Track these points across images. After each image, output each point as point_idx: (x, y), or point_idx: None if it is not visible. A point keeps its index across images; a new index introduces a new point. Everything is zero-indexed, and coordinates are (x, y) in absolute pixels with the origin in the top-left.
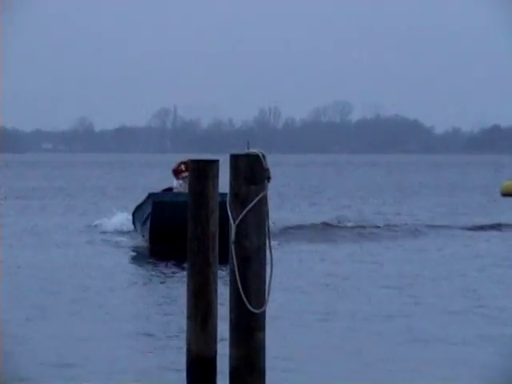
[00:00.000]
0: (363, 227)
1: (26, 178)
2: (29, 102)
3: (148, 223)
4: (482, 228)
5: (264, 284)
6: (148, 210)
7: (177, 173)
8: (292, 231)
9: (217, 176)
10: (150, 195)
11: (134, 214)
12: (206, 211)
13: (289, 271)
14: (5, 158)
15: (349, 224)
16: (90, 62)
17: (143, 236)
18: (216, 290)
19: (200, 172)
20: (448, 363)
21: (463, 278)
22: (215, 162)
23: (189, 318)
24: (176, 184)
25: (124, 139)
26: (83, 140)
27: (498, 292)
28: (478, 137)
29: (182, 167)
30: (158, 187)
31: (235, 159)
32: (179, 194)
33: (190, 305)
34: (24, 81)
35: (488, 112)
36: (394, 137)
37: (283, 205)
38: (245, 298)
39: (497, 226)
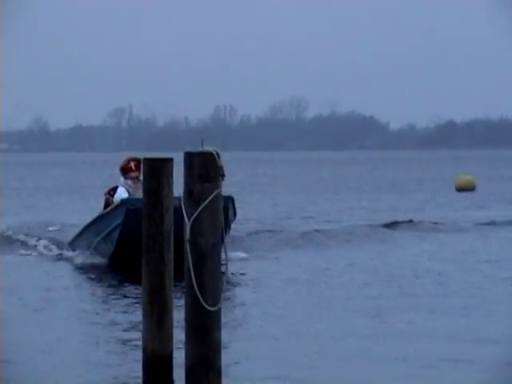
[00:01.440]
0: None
1: None
2: None
3: (114, 234)
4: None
5: (219, 282)
6: (116, 219)
7: (125, 171)
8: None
9: (171, 174)
10: (124, 202)
11: (89, 226)
12: (160, 210)
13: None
14: None
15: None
16: (44, 61)
17: (92, 251)
18: (171, 289)
19: (154, 171)
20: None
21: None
22: (169, 161)
23: (144, 316)
24: (123, 183)
25: (79, 138)
26: (38, 140)
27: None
28: (434, 132)
29: (132, 165)
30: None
31: (189, 157)
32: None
33: (145, 303)
34: None
35: (443, 107)
36: (350, 133)
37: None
38: (200, 296)
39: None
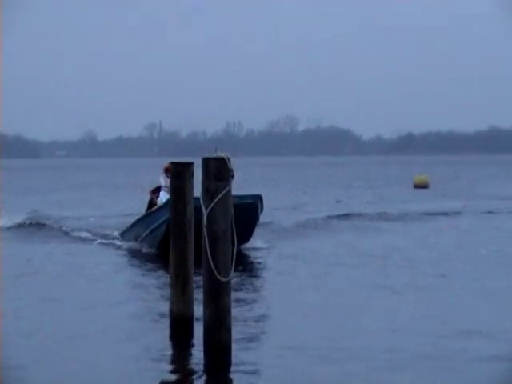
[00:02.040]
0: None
1: (37, 178)
2: (46, 116)
3: (162, 228)
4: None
5: (229, 259)
6: (163, 216)
7: (167, 171)
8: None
9: (192, 175)
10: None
11: (138, 221)
12: (184, 203)
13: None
14: (26, 162)
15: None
16: (92, 82)
17: (141, 242)
18: (192, 264)
19: (179, 172)
20: None
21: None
22: (191, 164)
23: (171, 285)
24: (163, 181)
25: (121, 147)
26: (89, 148)
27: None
28: (397, 142)
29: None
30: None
31: (206, 161)
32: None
33: (172, 275)
34: (42, 95)
35: (404, 122)
36: (331, 143)
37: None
38: (214, 270)
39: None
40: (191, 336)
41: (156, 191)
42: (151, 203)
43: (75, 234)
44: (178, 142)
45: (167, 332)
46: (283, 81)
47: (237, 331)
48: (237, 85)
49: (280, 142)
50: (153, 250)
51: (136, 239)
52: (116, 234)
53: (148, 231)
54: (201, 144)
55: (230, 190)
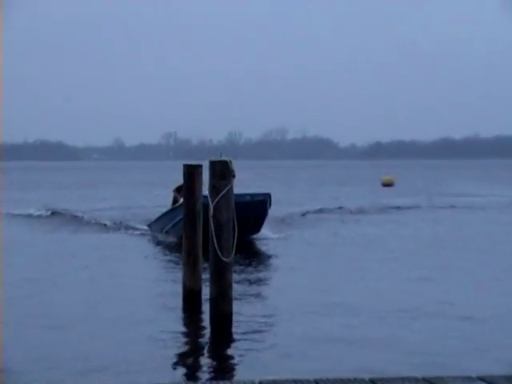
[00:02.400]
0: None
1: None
2: (83, 125)
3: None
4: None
5: (231, 243)
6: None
7: None
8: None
9: (201, 175)
10: None
11: (164, 215)
12: (193, 199)
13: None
14: (67, 164)
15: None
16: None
17: (166, 233)
18: (200, 248)
19: (190, 172)
20: None
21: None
22: (200, 166)
23: (183, 264)
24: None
25: (143, 152)
26: (117, 152)
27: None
28: (367, 149)
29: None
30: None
31: (212, 164)
32: None
33: (184, 256)
34: (77, 107)
35: (373, 132)
36: (315, 149)
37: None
38: (219, 252)
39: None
40: (200, 306)
41: (179, 190)
42: (175, 200)
43: (108, 224)
44: (190, 148)
45: (181, 303)
46: (275, 98)
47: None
48: (237, 101)
49: (272, 149)
50: (176, 240)
51: (161, 230)
52: (143, 225)
53: (171, 224)
54: (208, 150)
55: (231, 188)
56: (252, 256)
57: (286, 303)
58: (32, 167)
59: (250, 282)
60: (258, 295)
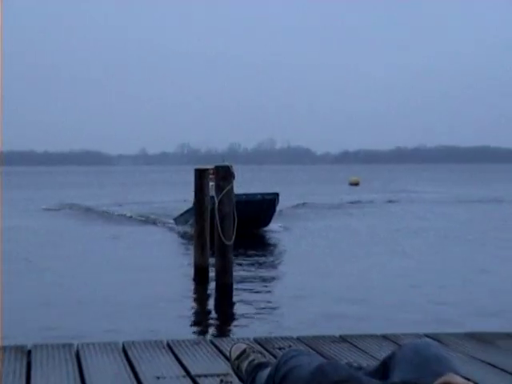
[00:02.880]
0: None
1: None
2: (114, 136)
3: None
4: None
5: (232, 230)
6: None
7: (212, 174)
8: None
9: (208, 176)
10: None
11: (188, 210)
12: (203, 195)
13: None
14: (102, 168)
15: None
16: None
17: (190, 225)
18: (208, 234)
19: (200, 174)
20: None
21: None
22: (208, 170)
23: (195, 246)
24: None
25: (163, 159)
26: (145, 159)
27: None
28: (338, 156)
29: (211, 171)
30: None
31: (217, 168)
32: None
33: (195, 240)
34: (111, 121)
35: (342, 142)
36: (297, 157)
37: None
38: (222, 236)
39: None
40: (207, 278)
41: None
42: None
43: (138, 218)
44: (199, 155)
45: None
46: (267, 114)
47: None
48: (236, 117)
49: (265, 156)
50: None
51: (185, 223)
52: (170, 219)
53: (189, 218)
54: (213, 157)
55: (232, 187)
56: (263, 245)
57: (282, 278)
58: (76, 171)
59: (258, 264)
60: (259, 270)
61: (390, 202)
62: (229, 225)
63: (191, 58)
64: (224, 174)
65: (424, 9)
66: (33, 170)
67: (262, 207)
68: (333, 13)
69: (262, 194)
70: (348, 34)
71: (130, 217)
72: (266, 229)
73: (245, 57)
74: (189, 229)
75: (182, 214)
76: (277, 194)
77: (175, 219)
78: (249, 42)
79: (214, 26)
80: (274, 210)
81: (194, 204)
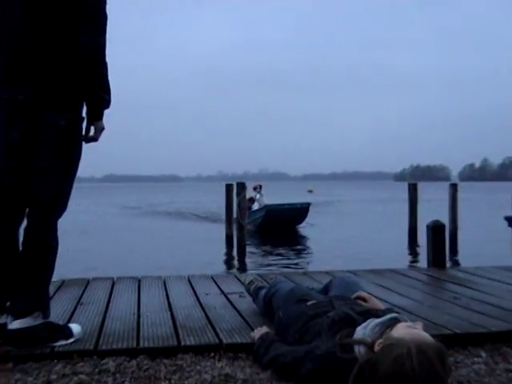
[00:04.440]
0: None
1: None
2: (148, 161)
3: (259, 220)
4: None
5: (245, 216)
6: (261, 213)
7: (254, 189)
8: None
9: (233, 188)
10: (265, 206)
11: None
12: (230, 197)
13: None
14: (144, 185)
15: None
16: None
17: (248, 224)
18: (233, 223)
19: (228, 188)
20: None
21: None
22: (231, 184)
23: (226, 223)
24: (253, 193)
25: (198, 181)
26: (175, 181)
27: None
28: (302, 177)
29: (257, 187)
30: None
31: (237, 184)
32: (277, 205)
33: (226, 222)
34: (145, 146)
35: (308, 164)
36: (275, 179)
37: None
38: (240, 219)
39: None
40: (232, 244)
41: (250, 200)
42: (248, 207)
43: (201, 216)
44: (227, 177)
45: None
46: (259, 149)
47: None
48: (248, 151)
49: (258, 179)
50: (253, 229)
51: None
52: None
53: (250, 219)
54: (234, 178)
55: (245, 195)
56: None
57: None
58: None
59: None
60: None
61: (328, 202)
62: (244, 213)
63: None
64: (240, 189)
65: None
66: (135, 185)
67: (300, 212)
68: None
69: (300, 203)
70: None
71: (197, 215)
72: (299, 226)
73: None
74: (249, 226)
75: (255, 210)
76: (309, 203)
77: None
78: None
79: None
80: (307, 214)
81: (252, 211)
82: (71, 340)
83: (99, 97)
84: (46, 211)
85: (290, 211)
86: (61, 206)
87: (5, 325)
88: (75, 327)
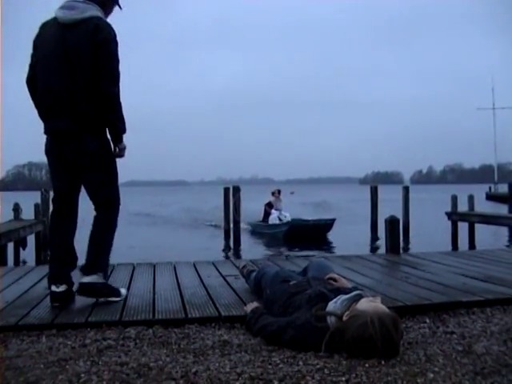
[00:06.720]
0: None
1: None
2: (159, 167)
3: (284, 231)
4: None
5: (238, 213)
6: (286, 226)
7: (273, 194)
8: None
9: (230, 192)
10: (291, 221)
11: (261, 222)
12: (228, 199)
13: None
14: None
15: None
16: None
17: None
18: (230, 215)
19: (226, 191)
20: None
21: None
22: (229, 188)
23: (224, 219)
24: (273, 199)
25: (202, 186)
26: (183, 186)
27: None
28: (286, 182)
29: (276, 192)
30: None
31: (232, 188)
32: (302, 221)
33: (224, 216)
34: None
35: (294, 171)
36: (263, 184)
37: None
38: (236, 217)
39: None
40: (229, 236)
41: (268, 205)
42: (266, 211)
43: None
44: (225, 181)
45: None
46: (255, 160)
47: None
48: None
49: (254, 185)
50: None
51: (257, 228)
52: (245, 224)
53: (269, 230)
54: (231, 183)
55: (239, 198)
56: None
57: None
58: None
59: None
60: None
61: (308, 202)
62: (238, 211)
63: None
64: (236, 192)
65: None
66: (151, 188)
67: (327, 225)
68: None
69: (327, 219)
70: None
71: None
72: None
73: None
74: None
75: (256, 223)
76: (334, 219)
77: (250, 223)
78: None
79: None
80: (332, 226)
81: (269, 225)
82: (119, 298)
83: (117, 126)
84: (106, 207)
85: (322, 224)
86: (116, 202)
87: (62, 292)
88: (123, 290)
